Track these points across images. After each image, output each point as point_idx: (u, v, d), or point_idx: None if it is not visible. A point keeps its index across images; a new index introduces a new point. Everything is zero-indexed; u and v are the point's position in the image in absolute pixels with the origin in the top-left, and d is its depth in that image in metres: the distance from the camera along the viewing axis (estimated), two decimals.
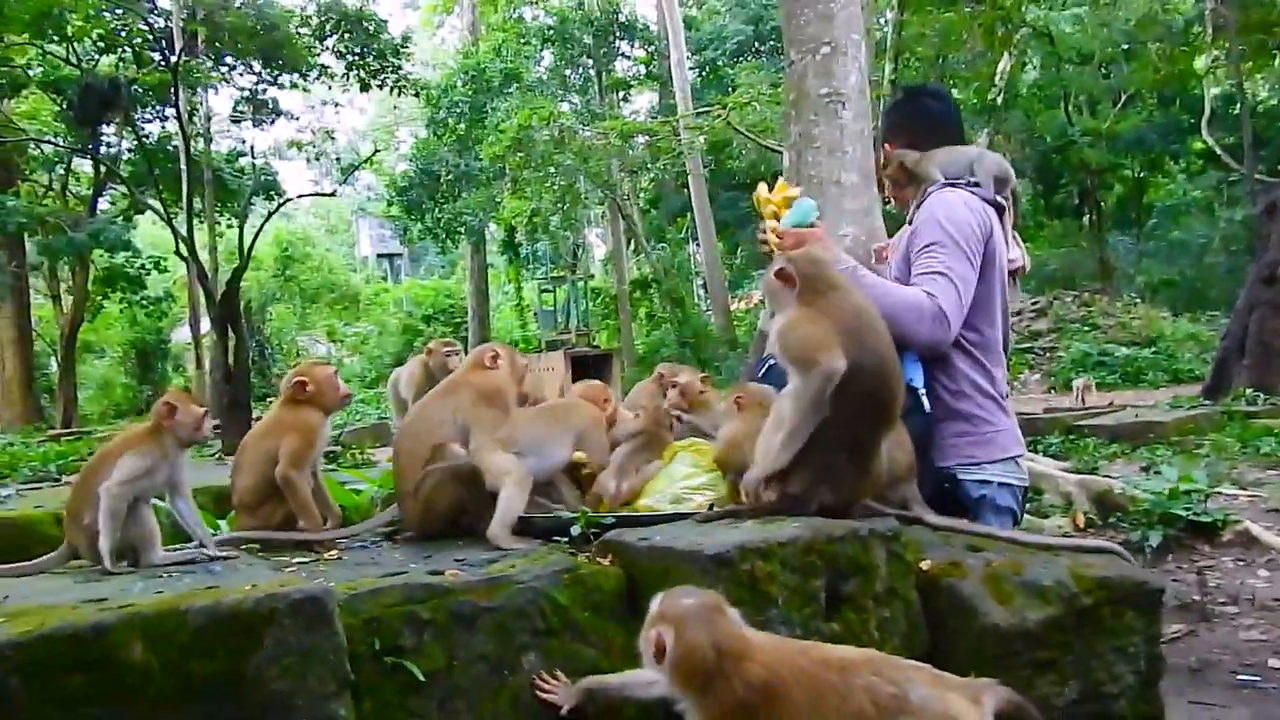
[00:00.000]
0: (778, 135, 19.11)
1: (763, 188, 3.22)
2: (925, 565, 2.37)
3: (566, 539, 2.59)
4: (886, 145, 3.43)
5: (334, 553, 2.73)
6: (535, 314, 32.25)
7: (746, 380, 3.25)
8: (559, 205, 25.52)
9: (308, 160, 28.01)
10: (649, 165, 24.71)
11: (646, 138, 24.13)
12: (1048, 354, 22.34)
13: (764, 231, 3.15)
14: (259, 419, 3.18)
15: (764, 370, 3.16)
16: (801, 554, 2.23)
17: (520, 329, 35.27)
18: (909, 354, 2.88)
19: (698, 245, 32.17)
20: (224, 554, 2.66)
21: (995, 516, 3.06)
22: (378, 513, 3.23)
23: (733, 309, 31.23)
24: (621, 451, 3.08)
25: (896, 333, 2.65)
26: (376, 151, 34.71)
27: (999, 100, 25.41)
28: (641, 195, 33.25)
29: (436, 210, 28.89)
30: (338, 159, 29.14)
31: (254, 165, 26.91)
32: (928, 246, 3.08)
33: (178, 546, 2.74)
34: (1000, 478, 3.13)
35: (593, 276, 34.59)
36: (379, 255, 51.32)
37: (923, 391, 2.91)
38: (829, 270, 2.58)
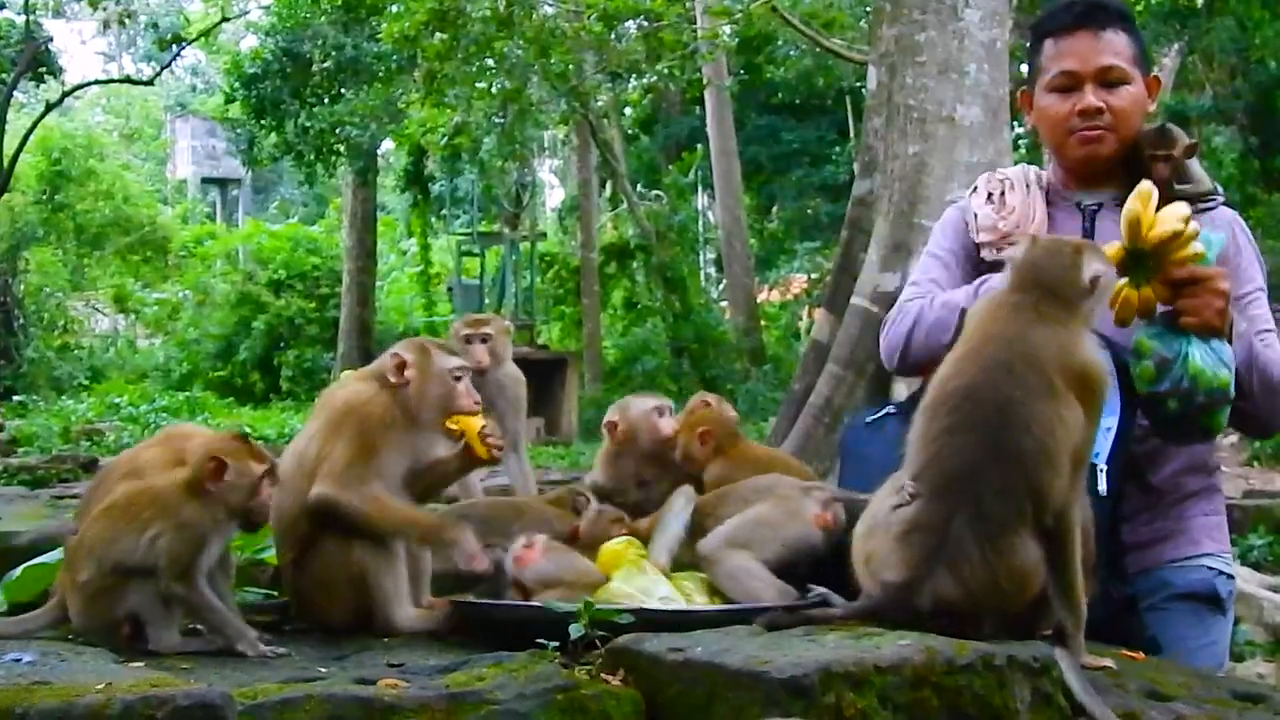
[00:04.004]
0: (854, 36, 14.45)
1: (1142, 200, 2.19)
2: None
3: (557, 644, 1.93)
4: (1154, 73, 2.59)
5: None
6: (450, 289, 23.39)
7: (787, 414, 2.54)
8: (497, 120, 17.26)
9: (104, 24, 20.84)
10: (643, 66, 16.93)
11: (643, 23, 16.05)
12: None
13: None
14: None
15: (874, 418, 2.50)
16: (909, 686, 1.70)
17: (424, 311, 25.09)
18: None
19: (712, 197, 23.64)
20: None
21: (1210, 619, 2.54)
22: None
23: (761, 301, 22.93)
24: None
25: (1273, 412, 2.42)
26: (224, 20, 22.77)
27: None
28: (629, 113, 24.80)
29: (302, 116, 20.02)
30: (154, 25, 21.34)
31: (27, 23, 19.26)
32: (1253, 294, 2.56)
33: None
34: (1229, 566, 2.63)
35: (544, 236, 24.84)
36: (205, 180, 39.36)
37: (1103, 469, 2.25)
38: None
